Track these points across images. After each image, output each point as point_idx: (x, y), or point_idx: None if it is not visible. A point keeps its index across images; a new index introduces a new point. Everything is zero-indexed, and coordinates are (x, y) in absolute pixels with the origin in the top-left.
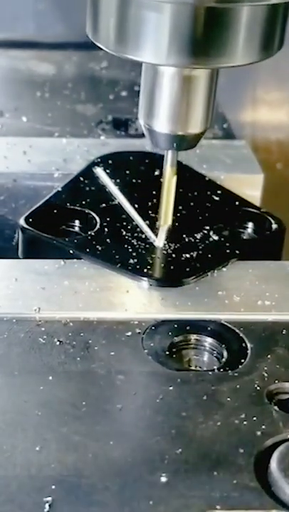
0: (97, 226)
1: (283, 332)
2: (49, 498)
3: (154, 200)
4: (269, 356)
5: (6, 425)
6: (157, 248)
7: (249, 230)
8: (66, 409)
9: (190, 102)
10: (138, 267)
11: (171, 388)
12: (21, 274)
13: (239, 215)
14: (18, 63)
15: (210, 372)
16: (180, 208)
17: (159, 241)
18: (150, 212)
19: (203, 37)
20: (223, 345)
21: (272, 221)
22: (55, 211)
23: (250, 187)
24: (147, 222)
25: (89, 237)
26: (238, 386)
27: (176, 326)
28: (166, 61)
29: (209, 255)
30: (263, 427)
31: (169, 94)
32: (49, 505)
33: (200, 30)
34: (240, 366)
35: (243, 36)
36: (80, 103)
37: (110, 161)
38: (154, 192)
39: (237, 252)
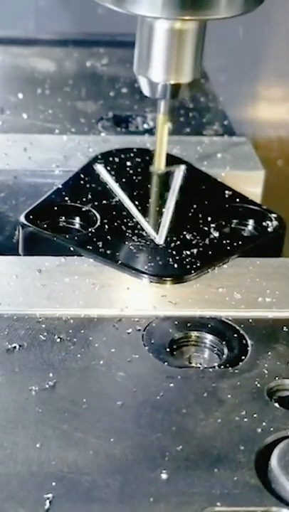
0: (98, 223)
1: (284, 329)
2: (50, 495)
3: (155, 197)
4: (269, 353)
5: (6, 422)
6: (158, 245)
7: (250, 227)
8: (67, 406)
9: (181, 54)
10: (138, 263)
11: (171, 385)
12: (22, 271)
13: (240, 212)
14: (18, 60)
15: (210, 369)
16: (180, 205)
17: (160, 238)
18: (151, 209)
19: None
20: (224, 342)
21: (273, 218)
22: (55, 208)
23: (250, 184)
24: (148, 219)
25: (89, 234)
26: (238, 383)
27: (176, 322)
28: (160, 13)
29: (210, 252)
30: (264, 423)
31: (162, 47)
32: (50, 502)
33: None
34: (240, 363)
35: None
36: (80, 100)
37: (111, 158)
38: (154, 189)
39: (237, 249)
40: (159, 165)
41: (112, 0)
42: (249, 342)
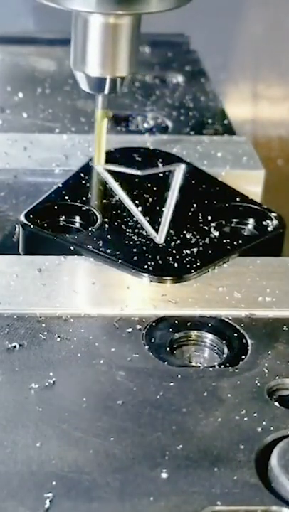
0: (98, 222)
1: (284, 328)
2: (50, 494)
3: (155, 196)
4: (269, 352)
5: (6, 421)
6: (158, 244)
7: (250, 226)
8: (67, 406)
9: (117, 48)
10: (139, 263)
11: (171, 384)
12: (22, 270)
13: (240, 211)
14: (18, 59)
15: (210, 369)
16: (181, 204)
17: (160, 237)
18: (151, 208)
19: None
20: (224, 342)
21: (273, 217)
22: (55, 207)
23: (251, 183)
24: (148, 218)
25: (89, 234)
26: (238, 382)
27: (176, 322)
28: (94, 8)
29: (210, 251)
30: (264, 423)
31: (97, 41)
32: (50, 501)
33: None
34: (240, 362)
35: None
36: (80, 99)
37: (111, 157)
38: (154, 188)
39: (238, 248)
40: (99, 160)
41: None
42: (249, 341)
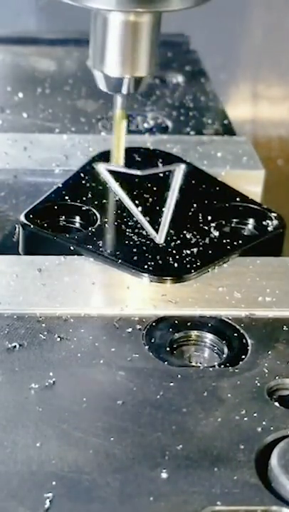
0: (98, 222)
1: (284, 328)
2: (50, 494)
3: (155, 197)
4: (269, 352)
5: (6, 421)
6: (158, 244)
7: (250, 226)
8: (67, 406)
9: (136, 47)
10: (139, 263)
11: (171, 384)
12: (22, 270)
13: (240, 211)
14: (18, 59)
15: (210, 369)
16: (181, 204)
17: (160, 237)
18: (151, 208)
19: None
20: (224, 342)
21: (273, 217)
22: (55, 207)
23: (251, 183)
24: (148, 218)
25: (89, 234)
26: (238, 382)
27: (176, 322)
28: (114, 6)
29: (210, 251)
30: (264, 423)
31: (117, 41)
32: (50, 501)
33: None
34: (240, 362)
35: None
36: (80, 99)
37: (111, 157)
38: (154, 188)
39: (237, 248)
40: (118, 160)
41: None
42: (249, 341)
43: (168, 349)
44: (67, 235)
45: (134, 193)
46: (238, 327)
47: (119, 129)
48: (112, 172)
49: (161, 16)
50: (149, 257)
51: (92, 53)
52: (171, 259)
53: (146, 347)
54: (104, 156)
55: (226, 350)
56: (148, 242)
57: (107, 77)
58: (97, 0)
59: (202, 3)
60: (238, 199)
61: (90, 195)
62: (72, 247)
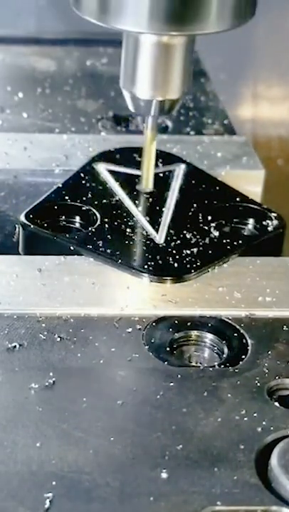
0: (98, 222)
1: (284, 328)
2: (50, 494)
3: (155, 197)
4: (269, 352)
5: (6, 421)
6: (158, 244)
7: (250, 226)
8: (67, 405)
9: (168, 69)
10: (139, 263)
11: (171, 384)
12: (22, 270)
13: (240, 211)
14: (19, 59)
15: (210, 369)
16: (181, 204)
17: (160, 237)
18: (151, 208)
19: (180, 5)
20: (224, 342)
21: (273, 217)
22: (55, 207)
23: (251, 183)
24: (148, 218)
25: (89, 233)
26: (238, 382)
27: (176, 322)
28: (146, 29)
29: (210, 251)
30: (264, 423)
31: (149, 62)
32: (50, 501)
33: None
34: (240, 362)
35: (216, 5)
36: (80, 99)
37: (111, 157)
38: (154, 188)
39: (237, 248)
40: (147, 184)
41: (96, 14)
42: (249, 341)
43: (168, 349)
44: (67, 235)
45: (134, 193)
46: (238, 327)
47: (149, 151)
48: (112, 172)
49: (196, 37)
50: (149, 257)
51: (123, 73)
52: (171, 259)
53: (146, 347)
54: (105, 156)
55: (226, 350)
56: (148, 242)
57: (136, 98)
58: (128, 22)
59: (238, 26)
60: (238, 199)
61: (90, 195)
62: (72, 247)
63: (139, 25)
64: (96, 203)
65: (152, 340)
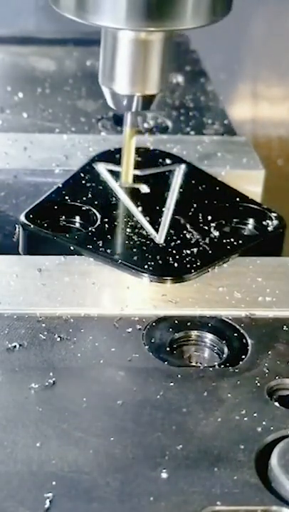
0: (98, 222)
1: (284, 328)
2: (50, 494)
3: (155, 197)
4: (270, 352)
5: (6, 421)
6: (158, 244)
7: (250, 226)
8: (67, 405)
9: (147, 65)
10: (139, 262)
11: (171, 384)
12: (22, 270)
13: (240, 211)
14: (18, 59)
15: (210, 369)
16: (181, 204)
17: (160, 237)
18: (151, 208)
19: (158, 1)
20: (224, 342)
21: (273, 217)
22: (55, 207)
23: (251, 183)
24: (148, 218)
25: (89, 233)
26: (238, 382)
27: (176, 322)
28: (124, 25)
29: (210, 251)
30: (264, 423)
31: (127, 58)
32: (50, 501)
33: None
34: (240, 362)
35: (192, 1)
36: (80, 99)
37: (111, 157)
38: (154, 188)
39: (238, 248)
40: (127, 178)
41: (74, 11)
42: (249, 341)
43: (168, 349)
44: (67, 235)
45: (134, 193)
46: (238, 327)
47: (128, 146)
48: (112, 172)
49: (173, 32)
50: (149, 257)
51: (102, 70)
52: (171, 259)
53: (146, 347)
54: (105, 156)
55: (226, 350)
56: (148, 242)
57: (116, 94)
58: (106, 18)
59: (213, 23)
60: (238, 199)
61: (90, 195)
62: (72, 247)
63: (117, 21)
64: (96, 203)
65: (152, 340)
